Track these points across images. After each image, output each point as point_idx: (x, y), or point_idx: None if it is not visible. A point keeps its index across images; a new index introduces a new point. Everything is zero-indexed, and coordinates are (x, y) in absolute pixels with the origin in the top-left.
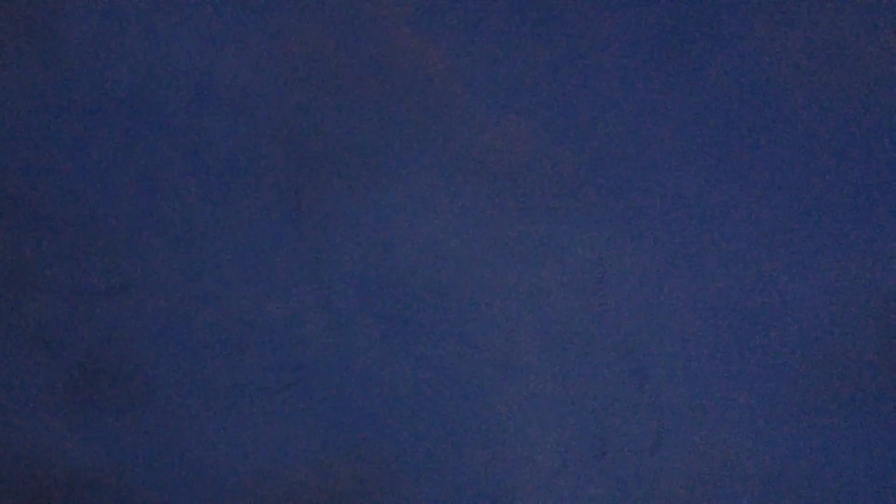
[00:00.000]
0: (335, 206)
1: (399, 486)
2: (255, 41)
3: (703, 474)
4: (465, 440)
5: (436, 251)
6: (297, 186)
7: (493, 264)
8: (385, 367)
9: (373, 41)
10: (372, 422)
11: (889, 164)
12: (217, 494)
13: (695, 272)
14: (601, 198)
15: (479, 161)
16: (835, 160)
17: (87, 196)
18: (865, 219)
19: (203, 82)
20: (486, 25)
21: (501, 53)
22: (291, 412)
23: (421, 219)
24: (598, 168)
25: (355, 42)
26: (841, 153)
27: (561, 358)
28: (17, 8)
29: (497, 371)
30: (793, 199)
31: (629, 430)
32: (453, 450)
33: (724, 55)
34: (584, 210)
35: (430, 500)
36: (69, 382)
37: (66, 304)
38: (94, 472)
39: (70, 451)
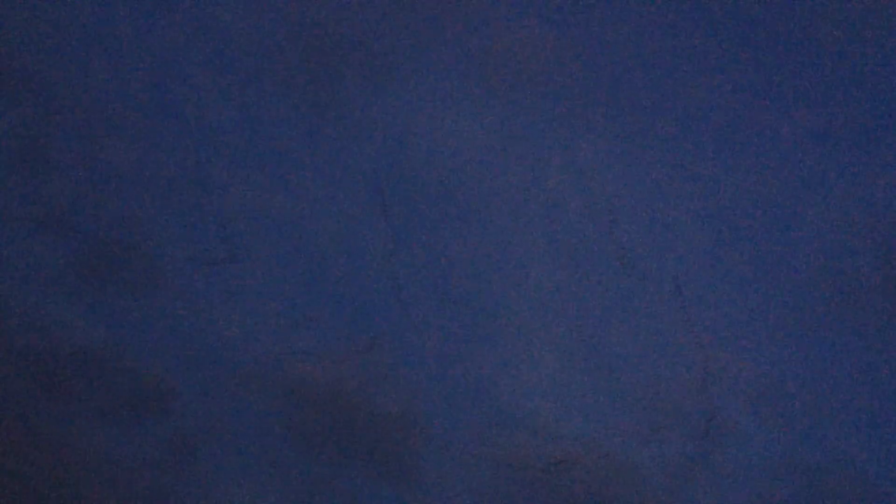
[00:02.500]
0: (350, 104)
1: (401, 380)
2: None
3: (703, 385)
4: (469, 341)
5: (448, 152)
6: (313, 84)
7: (505, 167)
8: (393, 265)
9: None
10: (378, 318)
11: None
12: (222, 376)
13: (706, 188)
14: (615, 107)
15: (495, 64)
16: (850, 82)
17: (99, 81)
18: (874, 145)
19: None
20: None
21: None
22: (296, 301)
23: (435, 119)
24: (613, 77)
25: None
26: (857, 76)
27: (565, 263)
28: None
29: (505, 274)
30: (806, 121)
31: (630, 345)
32: (456, 348)
33: None
34: (598, 118)
35: (429, 393)
36: (79, 262)
37: (78, 186)
38: (101, 348)
39: (78, 328)
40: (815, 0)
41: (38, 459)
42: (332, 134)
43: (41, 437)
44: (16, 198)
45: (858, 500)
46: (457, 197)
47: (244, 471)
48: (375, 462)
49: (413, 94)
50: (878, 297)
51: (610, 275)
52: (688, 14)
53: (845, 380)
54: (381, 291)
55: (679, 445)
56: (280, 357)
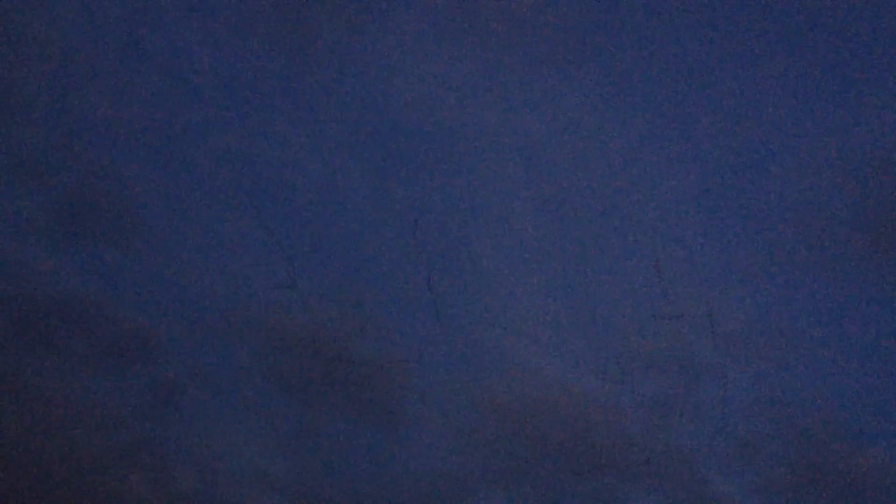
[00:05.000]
0: (326, 49)
1: (379, 326)
2: None
3: (681, 328)
4: (450, 287)
5: (427, 98)
6: (287, 29)
7: (486, 112)
8: (372, 212)
9: None
10: (357, 261)
11: (877, 36)
12: (204, 325)
13: (685, 129)
14: (596, 52)
15: (474, 6)
16: (827, 29)
17: (72, 27)
18: (849, 90)
19: None
20: None
21: None
22: (278, 248)
23: (413, 64)
24: (595, 22)
25: None
26: (832, 23)
27: (550, 210)
28: None
29: (486, 220)
30: (781, 65)
31: (609, 289)
32: (436, 296)
33: None
34: (579, 63)
35: (410, 339)
36: (58, 211)
37: (52, 135)
38: (83, 297)
39: (60, 277)
40: None
41: (21, 407)
42: (309, 80)
43: (24, 386)
44: None
45: (830, 436)
46: (437, 143)
47: (227, 417)
48: (357, 406)
49: (390, 37)
50: (851, 238)
51: (589, 220)
52: None
53: (819, 319)
54: (361, 238)
55: (656, 386)
56: (262, 305)
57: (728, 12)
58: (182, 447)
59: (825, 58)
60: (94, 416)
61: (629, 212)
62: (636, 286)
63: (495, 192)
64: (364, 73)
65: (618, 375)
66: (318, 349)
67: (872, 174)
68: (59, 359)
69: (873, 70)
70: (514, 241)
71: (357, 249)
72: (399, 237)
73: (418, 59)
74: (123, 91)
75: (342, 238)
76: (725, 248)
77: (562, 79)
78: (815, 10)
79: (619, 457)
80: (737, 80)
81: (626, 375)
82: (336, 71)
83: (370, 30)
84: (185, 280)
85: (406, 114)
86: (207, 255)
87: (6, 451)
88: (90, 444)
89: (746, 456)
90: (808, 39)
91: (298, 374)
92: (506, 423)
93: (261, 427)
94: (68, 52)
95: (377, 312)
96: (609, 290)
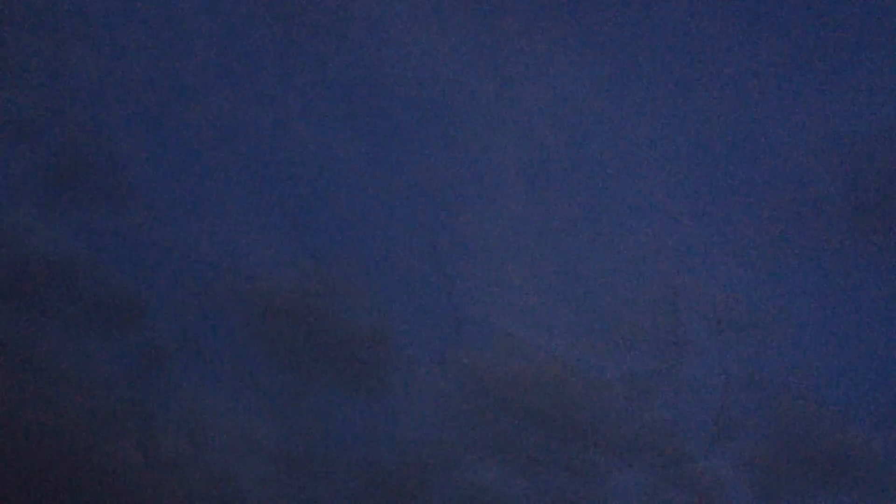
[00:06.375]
0: (321, 15)
1: (371, 296)
2: None
3: (666, 306)
4: (440, 258)
5: (420, 67)
6: None
7: (477, 83)
8: (364, 181)
9: None
10: (346, 230)
11: (865, 18)
12: (193, 289)
13: (676, 110)
14: (589, 24)
15: None
16: (819, 11)
17: None
18: (836, 70)
19: None
20: None
21: None
22: (268, 215)
23: (407, 33)
24: None
25: None
26: (822, 5)
27: (536, 182)
28: None
29: (473, 190)
30: (773, 48)
31: (598, 265)
32: (426, 266)
33: None
34: (571, 35)
35: (399, 309)
36: (47, 172)
37: (43, 93)
38: (72, 259)
39: (48, 238)
40: None
41: (7, 370)
42: (305, 46)
43: (10, 348)
44: None
45: (812, 415)
46: (428, 113)
47: (215, 382)
48: (345, 375)
49: (385, 5)
50: (840, 220)
51: (580, 193)
52: None
53: (805, 299)
54: (352, 206)
55: (643, 362)
56: (249, 270)
57: None
58: (170, 412)
59: (815, 40)
60: (82, 379)
61: (620, 187)
62: (625, 261)
63: (486, 164)
64: (359, 41)
65: (604, 349)
66: (307, 316)
67: (861, 156)
68: (48, 321)
69: (862, 52)
70: (505, 212)
71: (348, 217)
72: (391, 206)
73: (413, 28)
74: (116, 52)
75: (333, 205)
76: (715, 228)
77: (557, 51)
78: None
79: (604, 430)
80: (727, 60)
81: (612, 350)
82: (330, 38)
83: None
84: (176, 244)
85: (400, 83)
86: (198, 219)
87: None
88: (77, 406)
89: (730, 432)
90: (798, 20)
91: (287, 340)
92: (492, 394)
93: (249, 393)
94: (59, 12)
95: (367, 281)
96: (598, 265)
